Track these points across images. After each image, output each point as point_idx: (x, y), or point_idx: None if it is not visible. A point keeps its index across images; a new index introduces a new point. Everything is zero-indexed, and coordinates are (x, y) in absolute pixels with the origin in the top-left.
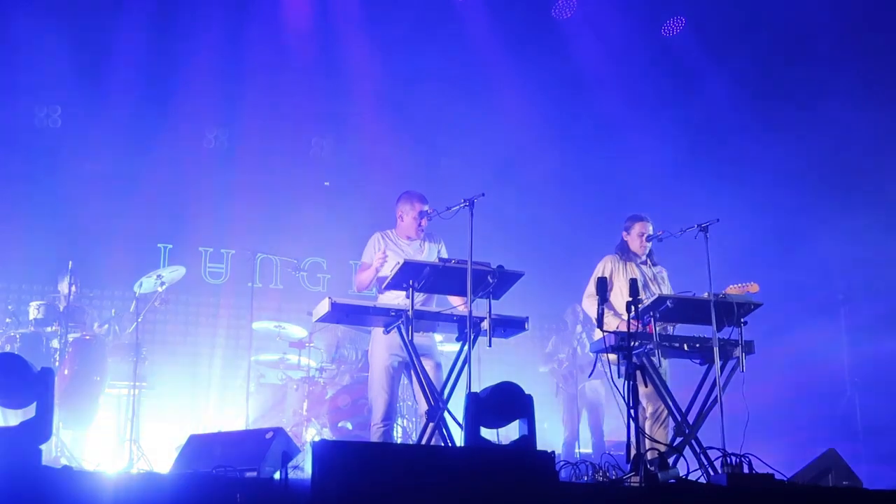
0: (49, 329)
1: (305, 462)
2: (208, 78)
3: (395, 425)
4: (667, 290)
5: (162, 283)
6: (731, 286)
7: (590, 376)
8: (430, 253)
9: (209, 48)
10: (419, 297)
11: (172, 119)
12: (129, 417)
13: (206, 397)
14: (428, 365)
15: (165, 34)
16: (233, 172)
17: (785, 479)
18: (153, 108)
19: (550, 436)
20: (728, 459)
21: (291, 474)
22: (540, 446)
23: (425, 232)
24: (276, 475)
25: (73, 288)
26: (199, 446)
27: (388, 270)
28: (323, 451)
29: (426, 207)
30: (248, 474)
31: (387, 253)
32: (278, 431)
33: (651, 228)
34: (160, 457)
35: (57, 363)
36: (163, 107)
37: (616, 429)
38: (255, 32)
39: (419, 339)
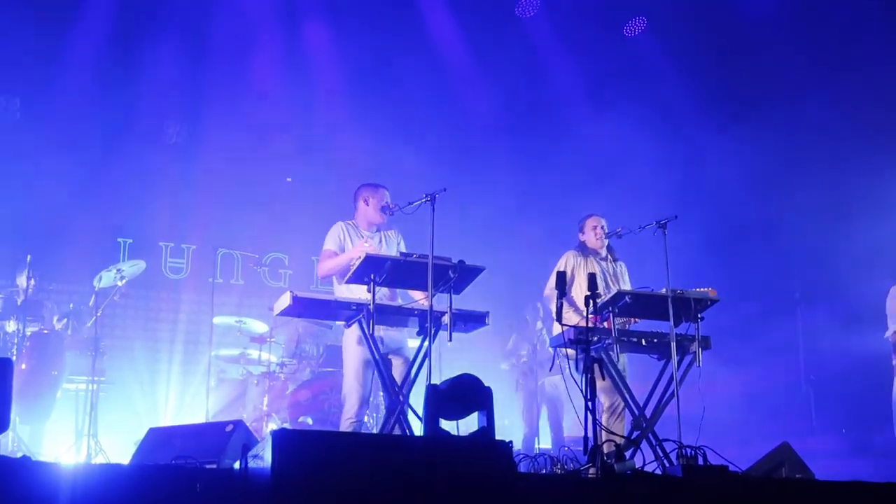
0: (6, 323)
1: (265, 452)
2: (170, 72)
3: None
4: (627, 285)
5: (122, 278)
6: (689, 290)
7: (550, 370)
8: (389, 244)
9: (171, 42)
10: (384, 291)
11: (134, 113)
12: (87, 412)
13: (166, 393)
14: (398, 360)
15: (127, 27)
16: (194, 167)
17: (739, 471)
18: (114, 101)
19: (510, 431)
20: (683, 452)
21: (251, 463)
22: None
23: (384, 224)
24: (237, 465)
25: (32, 282)
26: (158, 439)
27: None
28: (283, 440)
29: (387, 194)
30: (208, 466)
31: (346, 242)
32: (238, 424)
33: (604, 222)
34: (119, 452)
35: (14, 357)
36: (124, 100)
37: (576, 424)
38: (218, 26)
39: (391, 333)
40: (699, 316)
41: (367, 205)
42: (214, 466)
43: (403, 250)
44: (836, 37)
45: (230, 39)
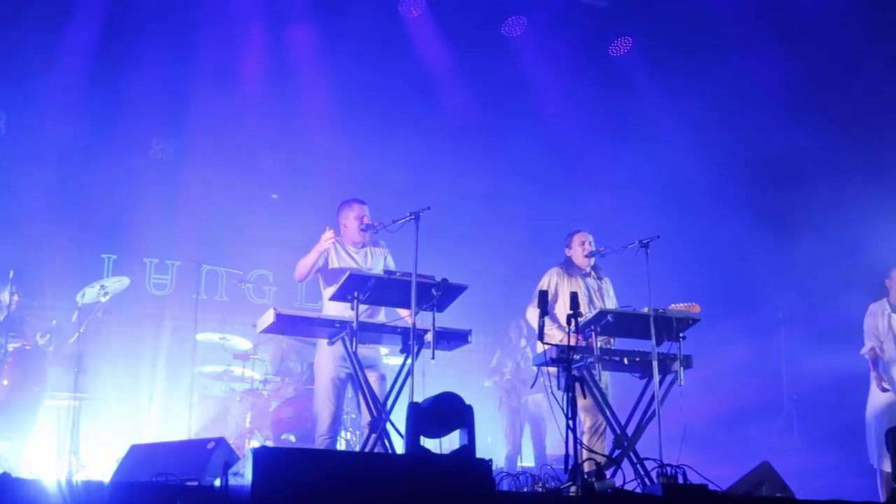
0: None
1: (246, 469)
2: (155, 88)
3: (339, 437)
4: (611, 303)
5: (105, 294)
6: (672, 305)
7: (531, 386)
8: (375, 260)
9: (156, 58)
10: (366, 309)
11: (118, 129)
12: (69, 429)
13: (149, 409)
14: (372, 377)
15: (112, 43)
16: (179, 183)
17: (719, 490)
18: (99, 117)
19: (493, 449)
20: (664, 470)
21: (232, 481)
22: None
23: (371, 239)
24: (217, 482)
25: (15, 297)
26: (140, 456)
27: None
28: (263, 458)
29: (365, 209)
30: (189, 483)
31: (332, 257)
32: (220, 441)
33: (591, 238)
34: (100, 469)
35: None
36: (109, 116)
37: (558, 443)
38: (203, 42)
39: (365, 350)
40: (681, 335)
41: (346, 227)
42: (195, 484)
43: (391, 266)
44: (817, 54)
45: (216, 56)
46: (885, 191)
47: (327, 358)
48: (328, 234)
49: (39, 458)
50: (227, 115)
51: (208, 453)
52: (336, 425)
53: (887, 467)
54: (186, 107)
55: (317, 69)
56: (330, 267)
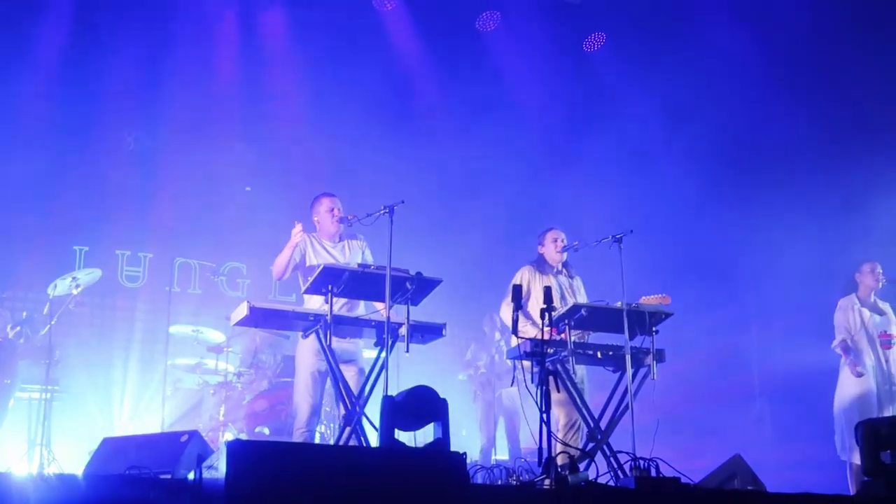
0: None
1: (220, 462)
2: (128, 78)
3: (316, 430)
4: (582, 299)
5: (77, 286)
6: (644, 297)
7: (512, 384)
8: (353, 253)
9: (130, 48)
10: (344, 302)
11: (91, 119)
12: (40, 421)
13: (121, 402)
14: (351, 370)
15: (85, 33)
16: (152, 175)
17: (692, 482)
18: (71, 107)
19: (468, 442)
20: (637, 463)
21: (206, 474)
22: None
23: (348, 233)
24: (191, 475)
25: None
26: (112, 449)
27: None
28: (237, 451)
29: (335, 201)
30: (163, 476)
31: (309, 253)
32: (193, 434)
33: (563, 236)
34: (72, 462)
35: None
36: (81, 107)
37: (533, 436)
38: (178, 33)
39: (344, 344)
40: (654, 329)
41: (319, 222)
42: (169, 477)
43: (369, 259)
44: (796, 52)
45: (190, 47)
46: (857, 182)
47: (308, 351)
48: (297, 227)
49: (10, 451)
50: (201, 106)
51: (182, 446)
52: (314, 419)
53: (857, 460)
54: (160, 98)
55: (291, 62)
56: (308, 263)
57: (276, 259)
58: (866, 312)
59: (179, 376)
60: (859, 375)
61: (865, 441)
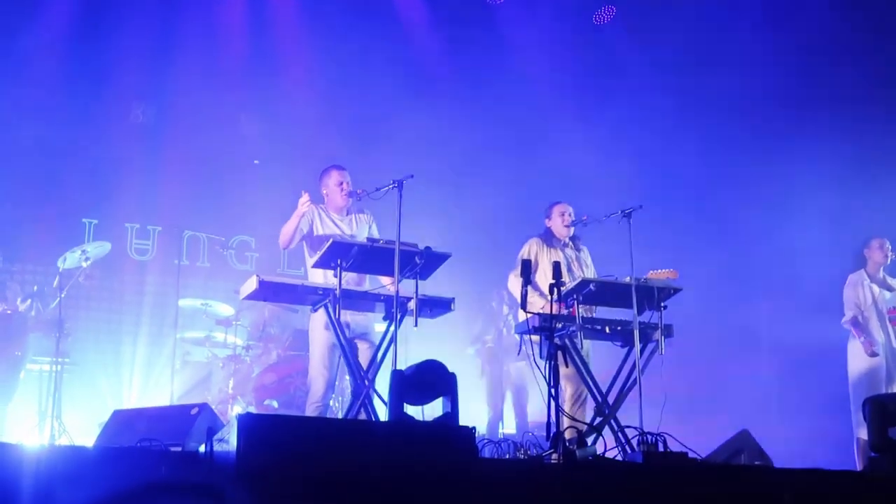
0: None
1: (231, 435)
2: (137, 50)
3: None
4: (590, 272)
5: (87, 259)
6: (651, 272)
7: (518, 355)
8: (360, 226)
9: (139, 20)
10: (353, 276)
11: (100, 92)
12: (50, 393)
13: (130, 374)
14: (364, 345)
15: (96, 4)
16: (160, 148)
17: (699, 457)
18: (80, 80)
19: (475, 416)
20: (644, 438)
21: (217, 447)
22: (462, 424)
23: (356, 207)
24: (202, 448)
25: None
26: (123, 421)
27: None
28: (248, 424)
29: (345, 174)
30: (173, 449)
31: (316, 223)
32: (203, 407)
33: (570, 210)
34: (82, 434)
35: None
36: (90, 79)
37: (540, 410)
38: (186, 5)
39: (358, 318)
40: (662, 304)
41: (328, 194)
42: (179, 449)
43: (375, 234)
44: (803, 31)
45: (199, 19)
46: (864, 157)
47: (321, 325)
48: (304, 197)
49: (21, 423)
50: (210, 79)
51: (192, 419)
52: (329, 392)
53: (864, 435)
54: (168, 70)
55: (300, 34)
56: (315, 234)
57: (282, 227)
58: (876, 288)
59: (188, 349)
60: (873, 355)
61: (873, 417)
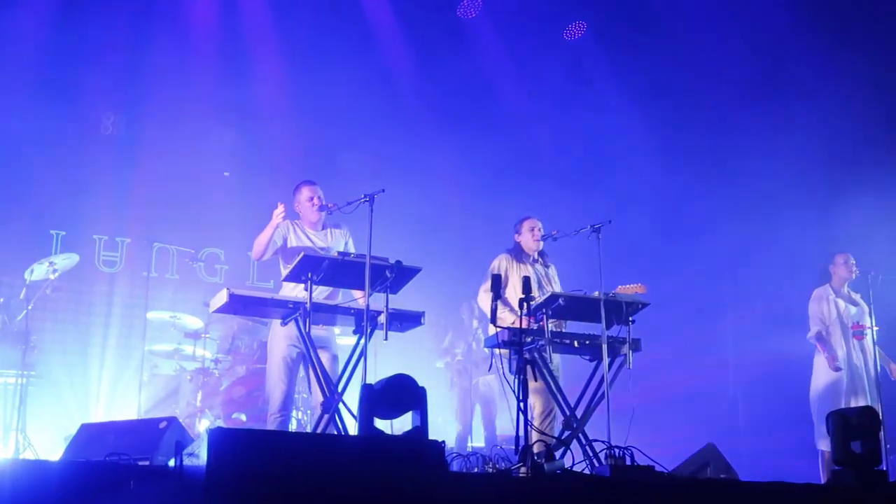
0: None
1: (200, 450)
2: (109, 62)
3: (291, 416)
4: (557, 288)
5: (54, 271)
6: (620, 286)
7: (489, 370)
8: (335, 241)
9: (111, 31)
10: (324, 290)
11: (69, 102)
12: (16, 406)
13: (98, 388)
14: (325, 357)
15: (66, 15)
16: (130, 159)
17: (665, 471)
18: (49, 89)
19: (444, 429)
20: (612, 452)
21: (186, 461)
22: (432, 438)
23: (332, 221)
24: (171, 462)
25: None
26: (90, 435)
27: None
28: (218, 439)
29: (316, 189)
30: (142, 463)
31: (291, 238)
32: (172, 421)
33: (540, 224)
34: (48, 448)
35: None
36: (60, 89)
37: (509, 423)
38: (158, 16)
39: (318, 331)
40: (630, 319)
41: (300, 207)
42: (147, 464)
43: (351, 249)
44: (769, 38)
45: (171, 31)
46: (832, 174)
47: (280, 337)
48: (279, 209)
49: None
50: (180, 91)
51: (161, 433)
52: (288, 404)
53: (828, 448)
54: (139, 82)
55: (272, 47)
56: (289, 246)
57: (256, 239)
58: (841, 303)
59: (156, 362)
60: (837, 370)
61: (836, 431)
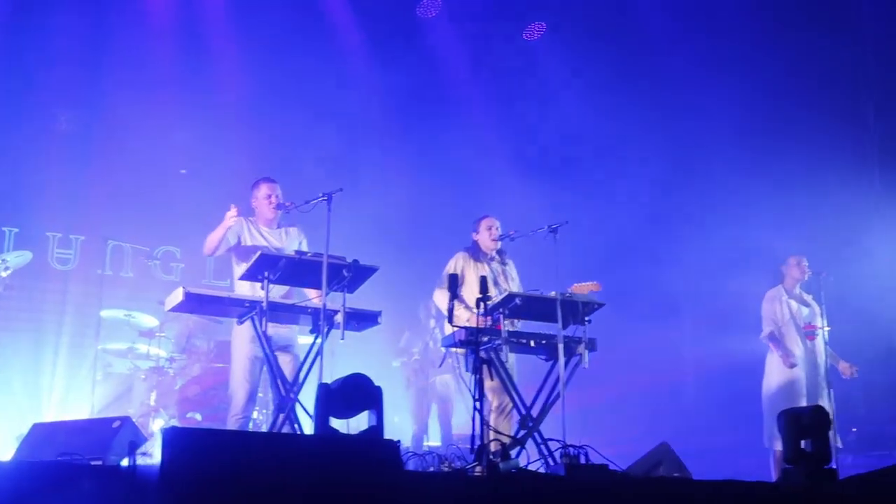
0: None
1: (154, 449)
2: (64, 57)
3: (251, 417)
4: (515, 286)
5: (6, 268)
6: (575, 284)
7: (440, 366)
8: (290, 241)
9: (66, 24)
10: (281, 289)
11: (23, 98)
12: None
13: (50, 386)
14: (286, 357)
15: (19, 8)
16: (85, 156)
17: (620, 469)
18: (3, 85)
19: (400, 428)
20: (567, 451)
21: (139, 461)
22: (388, 438)
23: (286, 221)
24: (125, 462)
25: None
26: (42, 435)
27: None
28: (173, 438)
29: (275, 187)
30: (94, 463)
31: (245, 236)
32: (125, 420)
33: (498, 224)
34: None
35: None
36: (13, 85)
37: (465, 422)
38: (115, 12)
39: (280, 330)
40: (586, 319)
41: (257, 204)
42: (100, 463)
43: (305, 249)
44: (716, 40)
45: (127, 25)
46: (783, 176)
47: (244, 337)
48: (232, 211)
49: None
50: (137, 87)
51: (114, 432)
52: (251, 405)
53: (779, 447)
54: (95, 78)
55: (230, 44)
56: (242, 245)
57: (208, 236)
58: (794, 304)
59: (110, 361)
60: (792, 366)
61: (787, 429)
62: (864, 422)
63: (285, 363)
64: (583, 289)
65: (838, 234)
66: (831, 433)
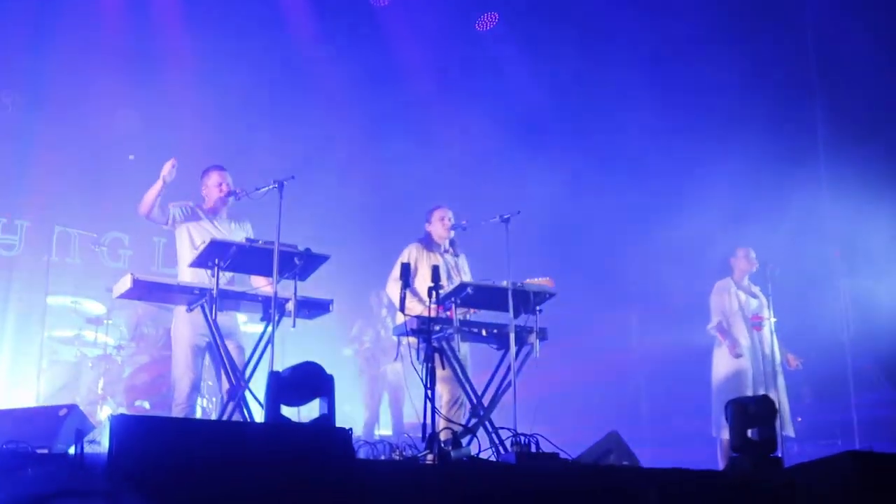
0: None
1: (102, 437)
2: (8, 35)
3: (196, 405)
4: (467, 278)
5: None
6: (528, 279)
7: (396, 359)
8: (237, 231)
9: (12, 3)
10: (225, 276)
11: None
12: None
13: None
14: (230, 345)
15: None
16: (30, 138)
17: (570, 458)
18: None
19: (352, 417)
20: (518, 439)
21: (87, 449)
22: (340, 426)
23: (235, 211)
24: (72, 450)
25: None
26: None
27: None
28: (121, 426)
29: (225, 175)
30: (40, 451)
31: (192, 225)
32: (72, 408)
33: (451, 214)
34: None
35: None
36: None
37: (416, 411)
38: None
39: (223, 318)
40: (538, 308)
41: (206, 191)
42: (47, 452)
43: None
44: (663, 38)
45: (76, 9)
46: (737, 168)
47: (185, 325)
48: (169, 162)
49: None
50: (85, 70)
51: (60, 420)
52: (194, 393)
53: (726, 436)
54: (41, 59)
55: (181, 27)
56: (188, 233)
57: (143, 195)
58: (742, 295)
59: (56, 348)
60: (738, 356)
61: (734, 418)
62: (810, 411)
63: (230, 350)
64: (536, 283)
65: (785, 225)
66: (782, 422)
